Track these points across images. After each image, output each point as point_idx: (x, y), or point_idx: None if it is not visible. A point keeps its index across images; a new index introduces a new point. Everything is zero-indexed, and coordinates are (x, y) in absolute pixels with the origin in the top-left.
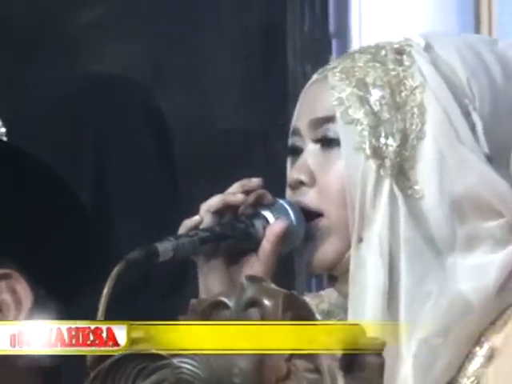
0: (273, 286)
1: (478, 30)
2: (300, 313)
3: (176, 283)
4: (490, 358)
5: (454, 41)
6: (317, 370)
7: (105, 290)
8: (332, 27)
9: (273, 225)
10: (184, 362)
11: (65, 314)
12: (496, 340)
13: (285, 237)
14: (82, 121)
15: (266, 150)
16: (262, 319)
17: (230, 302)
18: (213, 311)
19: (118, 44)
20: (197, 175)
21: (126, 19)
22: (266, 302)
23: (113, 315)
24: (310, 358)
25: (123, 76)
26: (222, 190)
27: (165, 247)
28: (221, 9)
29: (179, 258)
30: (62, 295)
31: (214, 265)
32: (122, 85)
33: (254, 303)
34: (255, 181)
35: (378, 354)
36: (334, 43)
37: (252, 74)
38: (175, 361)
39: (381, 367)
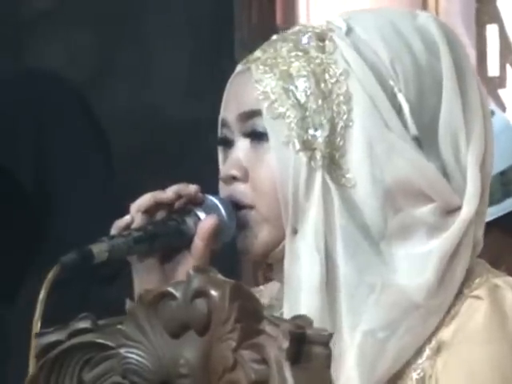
0: (220, 276)
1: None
2: (247, 303)
3: (116, 268)
4: (437, 350)
5: (375, 20)
6: (264, 360)
7: (41, 294)
8: (279, 19)
9: (203, 221)
10: (131, 353)
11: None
12: (444, 333)
13: (216, 233)
14: (20, 118)
15: (214, 139)
16: (209, 310)
17: (177, 293)
18: (160, 301)
19: (67, 36)
20: (146, 164)
21: (74, 10)
22: (213, 292)
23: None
24: (257, 348)
25: (58, 75)
26: (170, 179)
27: (99, 249)
28: (168, 1)
29: (114, 259)
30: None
31: (148, 264)
32: (57, 83)
33: (201, 293)
34: (192, 187)
35: (325, 344)
36: None
37: (200, 66)
38: (122, 351)
39: (328, 358)
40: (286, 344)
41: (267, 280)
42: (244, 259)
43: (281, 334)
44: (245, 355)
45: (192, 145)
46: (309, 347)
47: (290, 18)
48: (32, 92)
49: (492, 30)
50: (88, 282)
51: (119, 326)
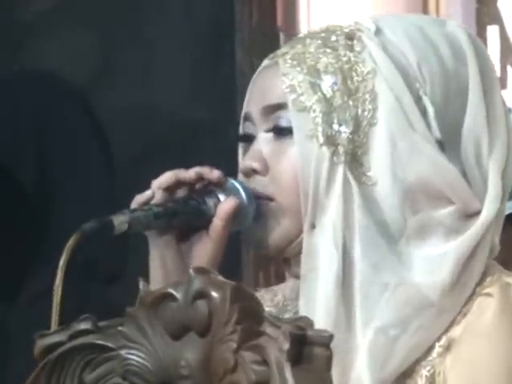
0: (220, 277)
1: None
2: (248, 305)
3: (119, 269)
4: (447, 347)
5: (404, 24)
6: (264, 362)
7: (61, 261)
8: (280, 20)
9: (223, 202)
10: (132, 354)
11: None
12: (454, 331)
13: (235, 214)
14: (21, 118)
15: (215, 139)
16: (210, 311)
17: (178, 294)
18: (161, 303)
19: (68, 36)
20: (146, 164)
21: (75, 12)
22: (214, 293)
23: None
24: (258, 349)
25: (58, 76)
26: None
27: (120, 220)
28: (169, 2)
29: (133, 232)
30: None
31: (165, 240)
32: (57, 84)
33: (202, 295)
34: (215, 173)
35: (326, 346)
36: (282, 36)
37: (201, 67)
38: (123, 352)
39: (328, 359)
40: (286, 345)
41: (268, 281)
42: (246, 259)
43: (281, 336)
44: (245, 356)
45: (192, 145)
46: (309, 348)
47: (291, 20)
48: (32, 92)
49: (492, 31)
50: (89, 283)
51: (120, 328)
